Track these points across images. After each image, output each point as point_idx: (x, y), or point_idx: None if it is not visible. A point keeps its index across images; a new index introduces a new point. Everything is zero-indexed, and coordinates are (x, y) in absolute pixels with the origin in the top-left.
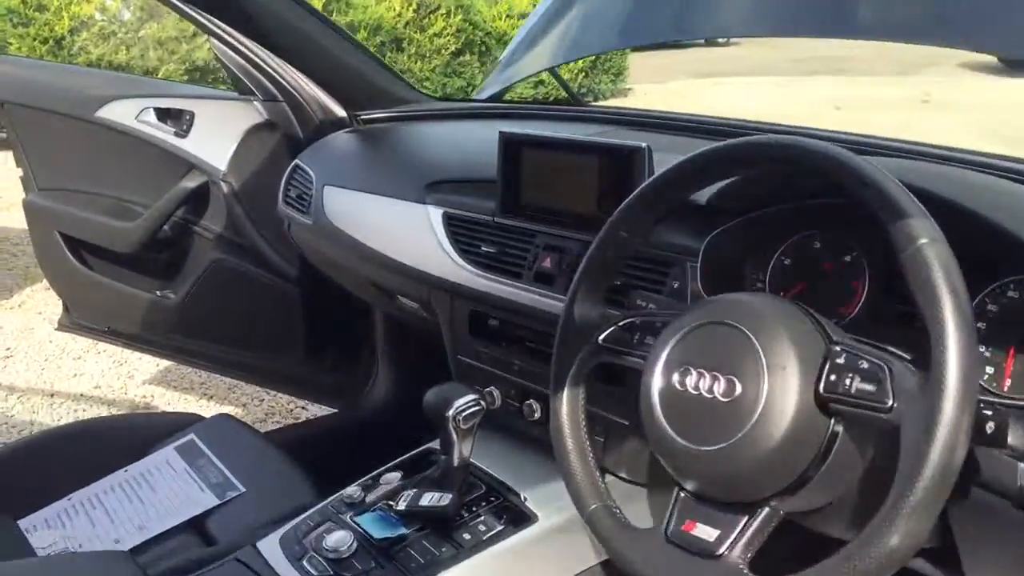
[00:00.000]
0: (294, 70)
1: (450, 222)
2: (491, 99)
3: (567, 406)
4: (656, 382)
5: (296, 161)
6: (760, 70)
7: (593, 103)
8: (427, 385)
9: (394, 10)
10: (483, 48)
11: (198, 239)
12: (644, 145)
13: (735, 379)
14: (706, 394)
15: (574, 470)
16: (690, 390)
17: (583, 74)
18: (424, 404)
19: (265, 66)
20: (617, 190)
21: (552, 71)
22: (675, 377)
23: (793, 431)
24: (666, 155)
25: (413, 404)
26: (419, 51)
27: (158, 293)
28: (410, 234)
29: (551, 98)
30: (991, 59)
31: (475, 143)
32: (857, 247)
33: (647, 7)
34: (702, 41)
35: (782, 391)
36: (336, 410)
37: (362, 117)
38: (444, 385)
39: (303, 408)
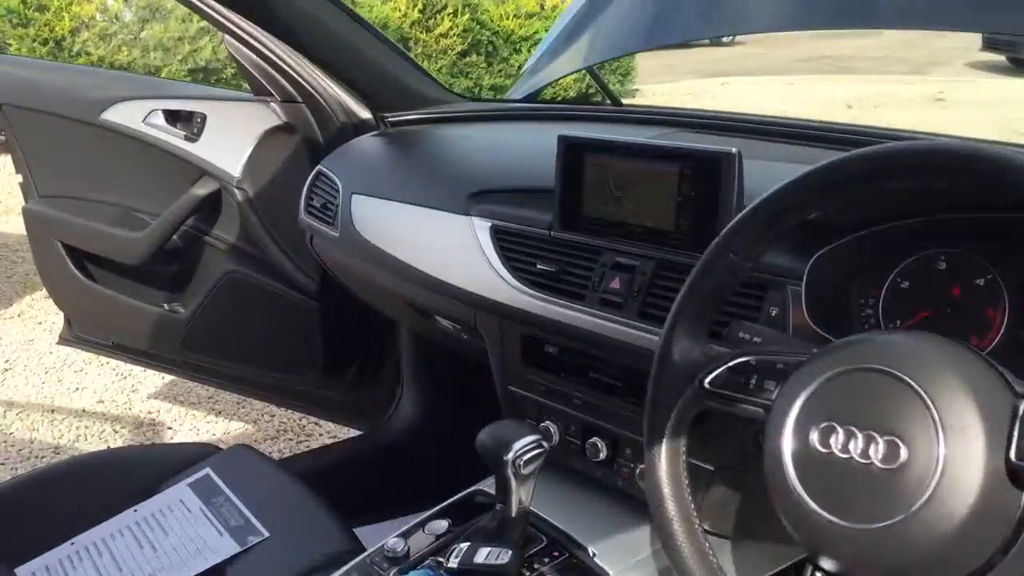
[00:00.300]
0: (314, 68)
1: (499, 237)
2: (526, 99)
3: (666, 460)
4: (788, 440)
5: (320, 167)
6: (767, 69)
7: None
8: (457, 408)
9: (400, 10)
10: (490, 48)
11: (210, 250)
12: (734, 151)
13: (898, 441)
14: (858, 459)
15: (678, 540)
16: (836, 453)
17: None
18: (478, 445)
19: (283, 64)
20: (701, 202)
21: (590, 70)
22: (814, 436)
23: (979, 507)
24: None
25: (441, 427)
26: (425, 51)
27: (166, 307)
28: (453, 249)
29: (565, 98)
30: (1000, 59)
31: (522, 147)
32: (993, 268)
33: (677, 5)
34: (707, 41)
35: (964, 458)
36: (355, 431)
37: (389, 119)
38: (499, 423)
39: (316, 424)
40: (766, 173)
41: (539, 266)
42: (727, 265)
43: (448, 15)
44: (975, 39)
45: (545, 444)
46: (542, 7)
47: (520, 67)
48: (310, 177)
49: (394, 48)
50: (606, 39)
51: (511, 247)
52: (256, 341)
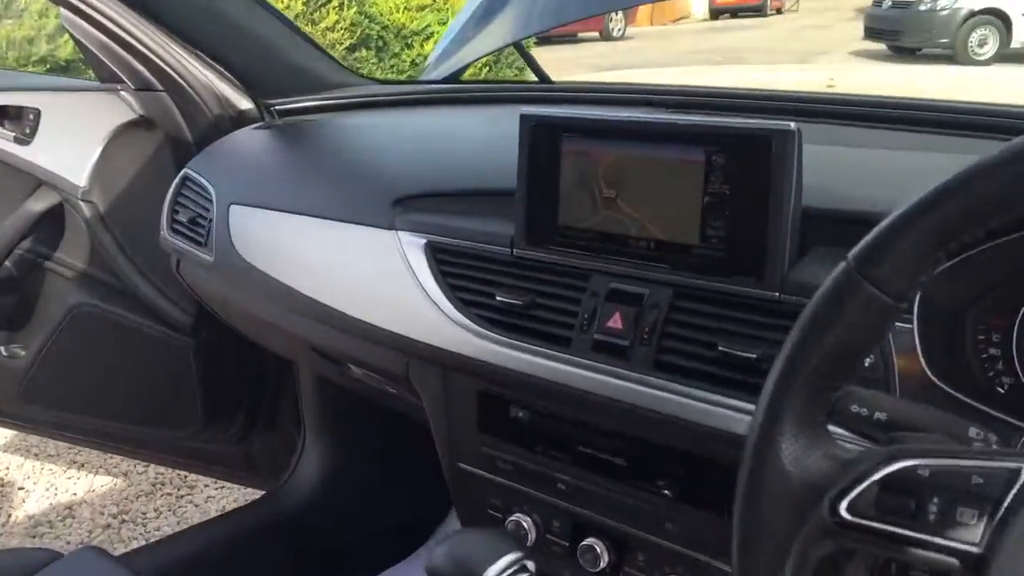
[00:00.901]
0: (177, 46)
1: (439, 258)
2: (446, 80)
3: None
4: None
5: (186, 170)
6: (659, 62)
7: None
8: (376, 464)
9: (282, 2)
10: (380, 43)
11: (53, 278)
12: (793, 126)
13: None
14: None
15: None
16: None
17: (487, 68)
18: (429, 570)
19: (136, 43)
20: (740, 201)
21: (518, 46)
22: None
23: None
24: None
25: (356, 491)
26: None
27: (2, 350)
28: (373, 276)
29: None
30: (881, 47)
31: (459, 137)
32: None
33: None
34: (597, 35)
35: None
36: (249, 487)
37: (276, 108)
38: (458, 535)
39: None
40: (828, 161)
41: (500, 297)
42: (869, 305)
43: (334, 8)
44: (857, 30)
45: (531, 567)
46: None
47: (413, 62)
48: (174, 184)
49: (280, 19)
50: (540, 6)
51: (457, 272)
52: (117, 388)
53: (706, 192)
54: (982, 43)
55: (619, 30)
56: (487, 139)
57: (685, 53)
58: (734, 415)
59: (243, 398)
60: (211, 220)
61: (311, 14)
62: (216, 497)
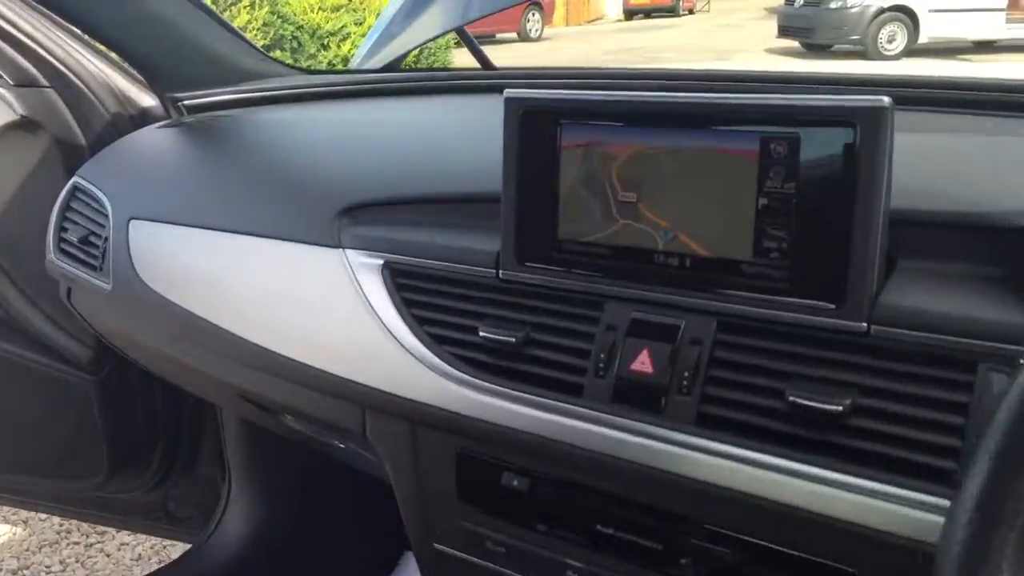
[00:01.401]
0: (64, 34)
1: (401, 283)
2: (386, 69)
3: None
4: None
5: (76, 179)
6: (577, 61)
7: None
8: (316, 510)
9: None
10: (295, 44)
11: None
12: (886, 101)
13: None
14: None
15: None
16: None
17: (413, 60)
18: None
19: (13, 30)
20: (809, 205)
21: (460, 31)
22: None
23: None
24: None
25: (290, 537)
26: None
27: None
28: (316, 305)
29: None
30: (794, 45)
31: (416, 132)
32: None
33: None
34: (515, 36)
35: None
36: (169, 540)
37: (185, 103)
38: None
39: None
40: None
41: (484, 332)
42: None
43: (245, 7)
44: (767, 29)
45: None
46: None
47: (330, 64)
48: (61, 196)
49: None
50: None
51: (424, 300)
52: (8, 435)
53: (762, 191)
54: (891, 39)
55: (536, 31)
56: (450, 133)
57: (603, 53)
58: (813, 488)
59: (157, 440)
60: (107, 239)
61: (221, 14)
62: (130, 544)
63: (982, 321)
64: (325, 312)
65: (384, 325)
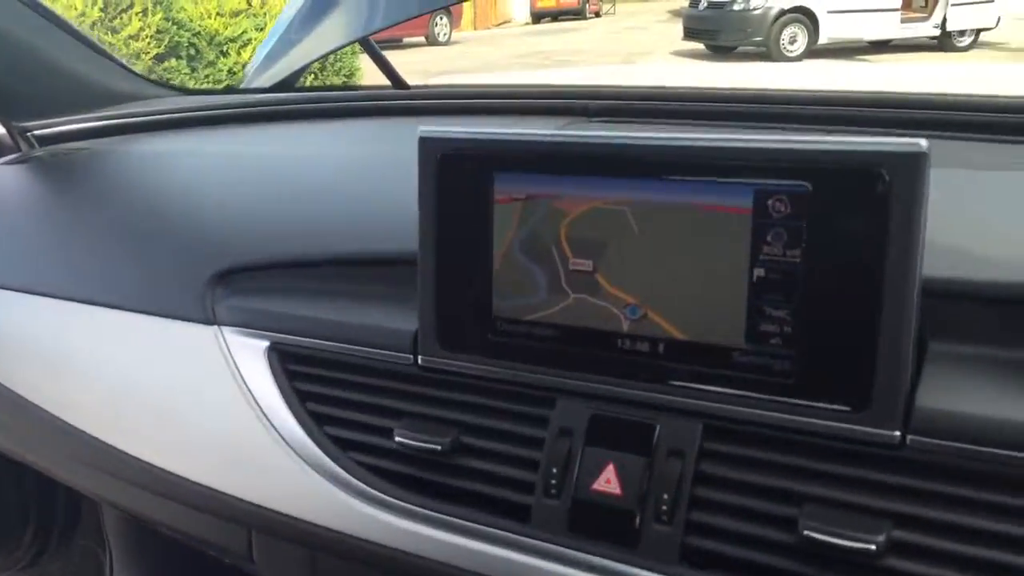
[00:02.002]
0: None
1: (291, 369)
2: (276, 88)
3: None
4: None
5: None
6: (488, 66)
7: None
8: None
9: (76, 9)
10: (192, 51)
11: None
12: (923, 145)
13: None
14: None
15: None
16: None
17: (312, 76)
18: None
19: None
20: (827, 277)
21: (365, 42)
22: None
23: None
24: None
25: None
26: None
27: None
28: (185, 400)
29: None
30: (699, 47)
31: (313, 170)
32: None
33: None
34: (423, 40)
35: None
36: None
37: (35, 133)
38: None
39: None
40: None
41: (400, 437)
42: None
43: (137, 14)
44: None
45: None
46: (250, 3)
47: (231, 71)
48: None
49: (42, 14)
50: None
51: (322, 393)
52: None
53: (757, 260)
54: (793, 40)
55: (445, 35)
56: (354, 171)
57: (513, 56)
58: None
59: (28, 512)
60: None
61: (110, 21)
62: None
63: (1010, 425)
64: (196, 407)
65: (271, 424)
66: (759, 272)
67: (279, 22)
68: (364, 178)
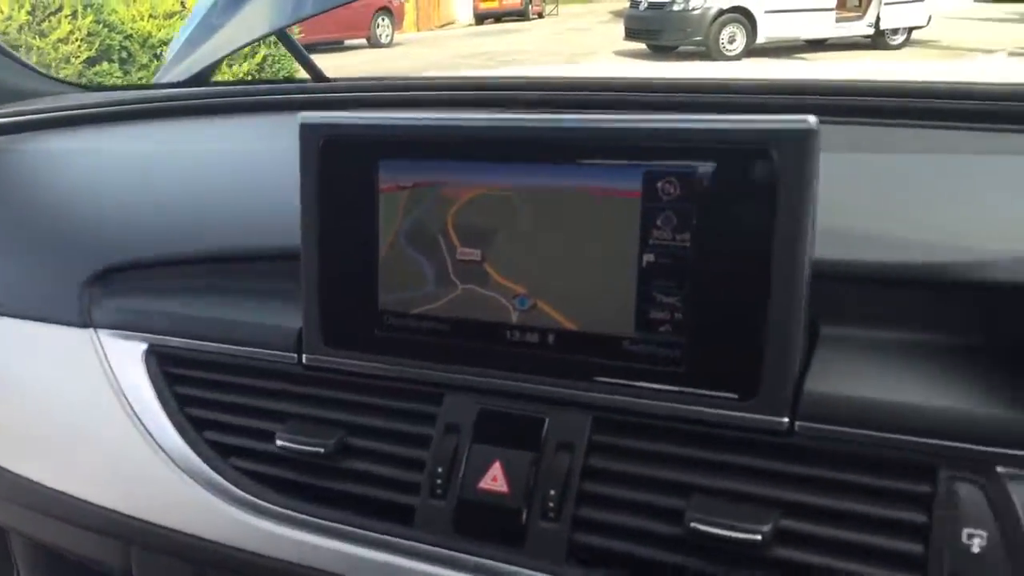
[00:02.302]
0: None
1: (170, 371)
2: (188, 83)
3: None
4: None
5: None
6: (433, 65)
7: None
8: None
9: (2, 12)
10: (124, 54)
11: None
12: (811, 121)
13: None
14: None
15: None
16: None
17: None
18: None
19: None
20: (717, 260)
21: (283, 36)
22: None
23: None
24: None
25: None
26: (42, 60)
27: None
28: (59, 405)
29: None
30: (641, 47)
31: (205, 168)
32: None
33: None
34: (364, 42)
35: None
36: None
37: None
38: None
39: None
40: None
41: (283, 440)
42: None
43: (66, 17)
44: (615, 31)
45: None
46: (184, 5)
47: None
48: None
49: None
50: None
51: (203, 396)
52: None
53: (647, 245)
54: (732, 39)
55: (387, 36)
56: (250, 167)
57: (456, 57)
58: None
59: None
60: None
61: (38, 24)
62: None
63: (943, 413)
64: (72, 415)
65: (148, 431)
66: (649, 258)
67: (192, 15)
68: (256, 173)
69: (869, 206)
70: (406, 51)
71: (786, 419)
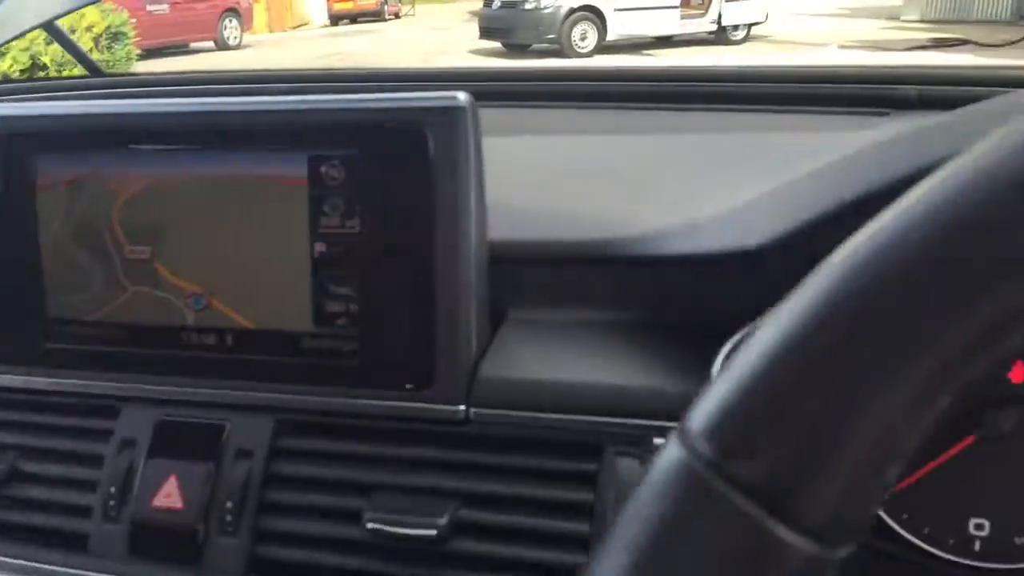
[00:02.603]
0: None
1: None
2: None
3: None
4: None
5: None
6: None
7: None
8: None
9: None
10: None
11: None
12: (462, 99)
13: None
14: None
15: None
16: None
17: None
18: None
19: None
20: (383, 244)
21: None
22: None
23: None
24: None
25: None
26: None
27: None
28: None
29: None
30: (496, 45)
31: None
32: None
33: None
34: (212, 45)
35: None
36: None
37: None
38: None
39: None
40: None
41: None
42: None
43: None
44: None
45: None
46: None
47: None
48: None
49: None
50: None
51: None
52: None
53: (317, 234)
54: (584, 37)
55: (235, 38)
56: None
57: (309, 58)
58: None
59: None
60: None
61: None
62: None
63: (605, 391)
64: None
65: None
66: (320, 247)
67: None
68: None
69: (554, 186)
70: (255, 54)
71: (462, 407)
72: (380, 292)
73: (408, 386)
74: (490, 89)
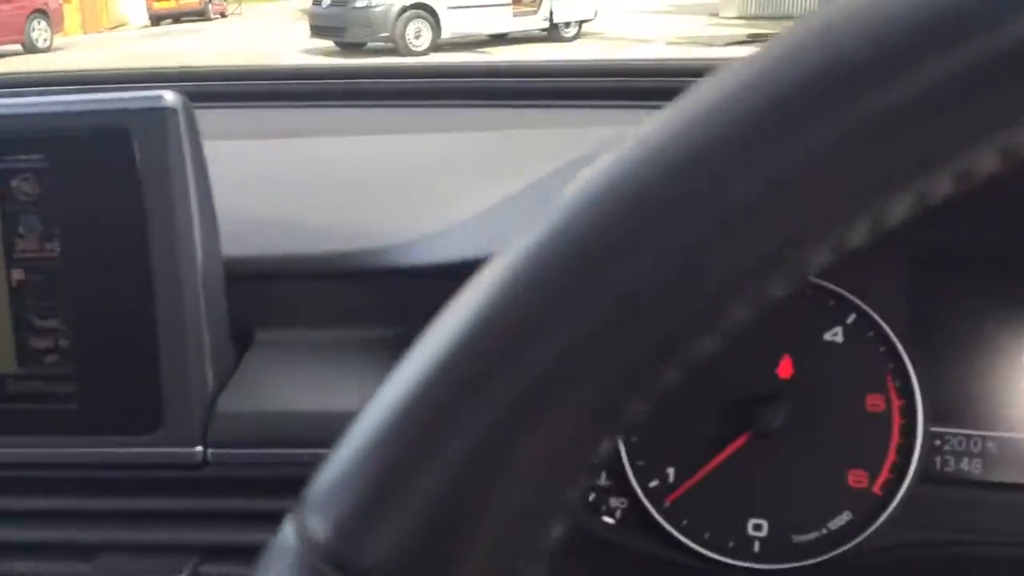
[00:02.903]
0: None
1: None
2: None
3: None
4: None
5: None
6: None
7: None
8: None
9: None
10: None
11: None
12: (170, 99)
13: None
14: None
15: None
16: None
17: None
18: None
19: None
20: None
21: None
22: None
23: None
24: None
25: None
26: None
27: None
28: None
29: None
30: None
31: None
32: None
33: None
34: (20, 48)
35: None
36: None
37: None
38: None
39: None
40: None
41: None
42: None
43: None
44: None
45: None
46: None
47: None
48: None
49: None
50: None
51: None
52: None
53: (12, 259)
54: (418, 35)
55: (45, 40)
56: None
57: (129, 59)
58: None
59: None
60: None
61: None
62: None
63: (344, 418)
64: None
65: None
66: (18, 275)
67: None
68: None
69: (303, 194)
70: (68, 56)
71: (199, 448)
72: (94, 323)
73: (135, 429)
74: (241, 89)
